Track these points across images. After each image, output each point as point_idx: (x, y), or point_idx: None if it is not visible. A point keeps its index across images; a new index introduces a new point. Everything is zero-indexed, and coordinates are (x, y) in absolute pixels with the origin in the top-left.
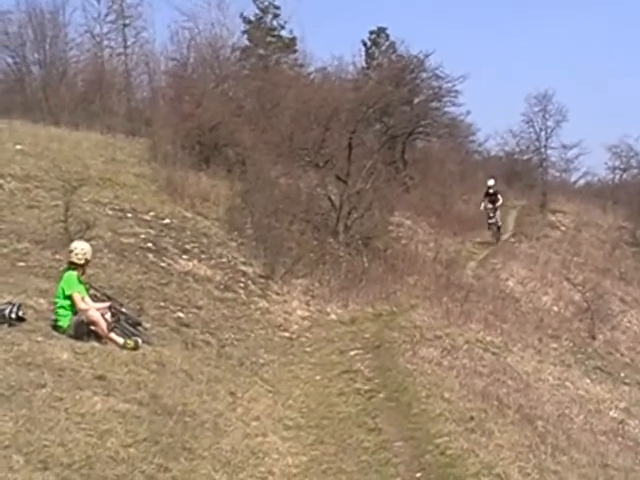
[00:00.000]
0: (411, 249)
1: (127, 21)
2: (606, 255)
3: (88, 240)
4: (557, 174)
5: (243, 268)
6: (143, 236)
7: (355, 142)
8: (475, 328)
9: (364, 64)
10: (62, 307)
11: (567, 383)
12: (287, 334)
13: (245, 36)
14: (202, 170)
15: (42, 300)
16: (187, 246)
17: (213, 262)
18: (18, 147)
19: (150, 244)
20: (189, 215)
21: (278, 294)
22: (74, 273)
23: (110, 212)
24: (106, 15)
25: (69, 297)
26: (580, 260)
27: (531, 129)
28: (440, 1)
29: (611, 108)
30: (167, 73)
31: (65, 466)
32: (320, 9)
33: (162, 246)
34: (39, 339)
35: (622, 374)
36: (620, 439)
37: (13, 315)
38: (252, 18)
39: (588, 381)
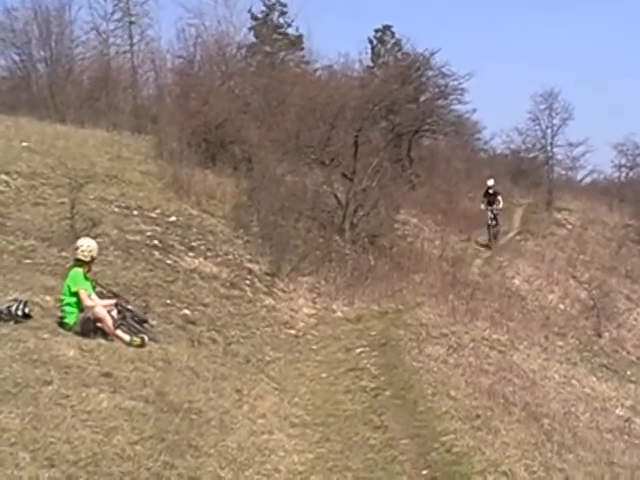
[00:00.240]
0: (417, 247)
1: (133, 19)
2: (612, 253)
3: (94, 237)
4: (563, 172)
5: (249, 265)
6: (149, 233)
7: (361, 140)
8: (481, 326)
9: (370, 62)
10: (68, 304)
11: (573, 381)
12: (293, 332)
13: (251, 33)
14: (208, 167)
15: (48, 297)
16: (193, 243)
17: (219, 259)
18: (24, 144)
19: (156, 241)
20: (195, 212)
21: (284, 292)
22: (80, 270)
23: (116, 209)
24: (112, 13)
25: (75, 294)
26: (586, 258)
27: (537, 127)
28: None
29: (617, 106)
30: (173, 70)
31: (71, 463)
32: (326, 6)
33: (168, 243)
34: (45, 336)
35: (628, 372)
36: (626, 437)
37: (19, 312)
38: (259, 15)
39: (594, 379)
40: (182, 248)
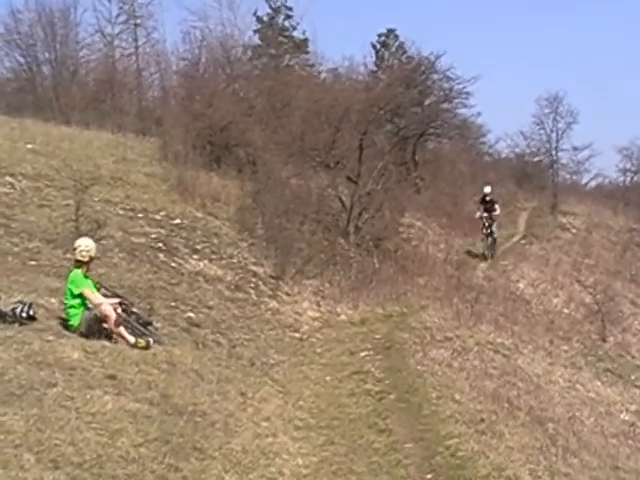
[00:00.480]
0: (421, 250)
1: (138, 21)
2: (617, 257)
3: (99, 240)
4: (568, 176)
5: (254, 268)
6: (154, 236)
7: (366, 143)
8: (486, 330)
9: (374, 67)
10: (72, 306)
11: (578, 385)
12: (297, 334)
13: (257, 35)
14: (213, 170)
15: (53, 299)
16: (198, 246)
17: (224, 262)
18: (29, 146)
19: (161, 244)
20: (200, 215)
21: (288, 294)
22: (79, 271)
23: (121, 211)
24: (117, 15)
25: (78, 296)
26: (591, 262)
27: (542, 131)
28: (450, 2)
29: (622, 109)
30: (178, 73)
31: (76, 465)
32: (331, 8)
33: (173, 246)
34: (50, 338)
35: (633, 377)
36: (631, 442)
37: (24, 314)
38: (264, 18)
39: (599, 383)
40: (187, 251)
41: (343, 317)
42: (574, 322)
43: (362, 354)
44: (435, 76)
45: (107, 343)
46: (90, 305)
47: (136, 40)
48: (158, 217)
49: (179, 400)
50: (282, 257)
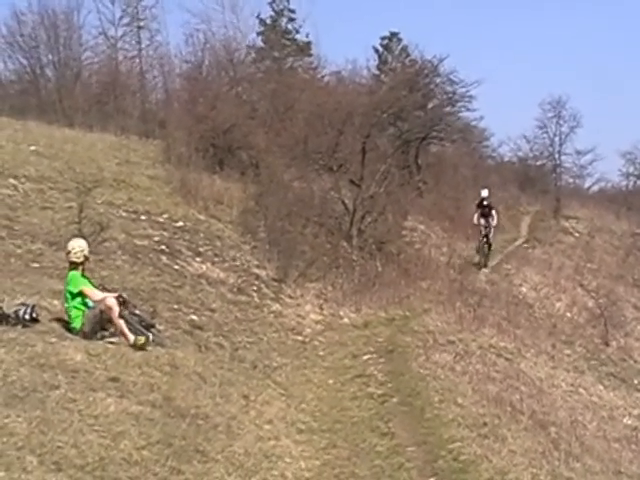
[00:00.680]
0: (424, 253)
1: (141, 23)
2: (619, 261)
3: (102, 242)
4: (571, 180)
5: (256, 271)
6: (157, 238)
7: (369, 146)
8: (488, 333)
9: (377, 70)
10: (74, 308)
11: (580, 389)
12: (300, 337)
13: (259, 38)
14: (216, 173)
15: (56, 301)
16: (200, 249)
17: (226, 265)
18: (32, 148)
19: (164, 246)
20: (203, 217)
21: (291, 297)
22: (76, 272)
23: (124, 214)
24: (120, 18)
25: (78, 295)
26: (593, 266)
27: (545, 135)
28: (454, 5)
29: (625, 114)
30: (181, 75)
31: (78, 468)
32: (334, 11)
33: (176, 248)
34: (53, 340)
35: (635, 381)
36: (634, 446)
37: (27, 316)
38: (267, 21)
39: (601, 387)
40: (189, 253)
41: (346, 320)
42: (577, 326)
43: (365, 357)
44: (438, 79)
45: (110, 345)
46: (91, 303)
47: (139, 42)
48: (161, 220)
49: (181, 403)
50: (285, 260)
